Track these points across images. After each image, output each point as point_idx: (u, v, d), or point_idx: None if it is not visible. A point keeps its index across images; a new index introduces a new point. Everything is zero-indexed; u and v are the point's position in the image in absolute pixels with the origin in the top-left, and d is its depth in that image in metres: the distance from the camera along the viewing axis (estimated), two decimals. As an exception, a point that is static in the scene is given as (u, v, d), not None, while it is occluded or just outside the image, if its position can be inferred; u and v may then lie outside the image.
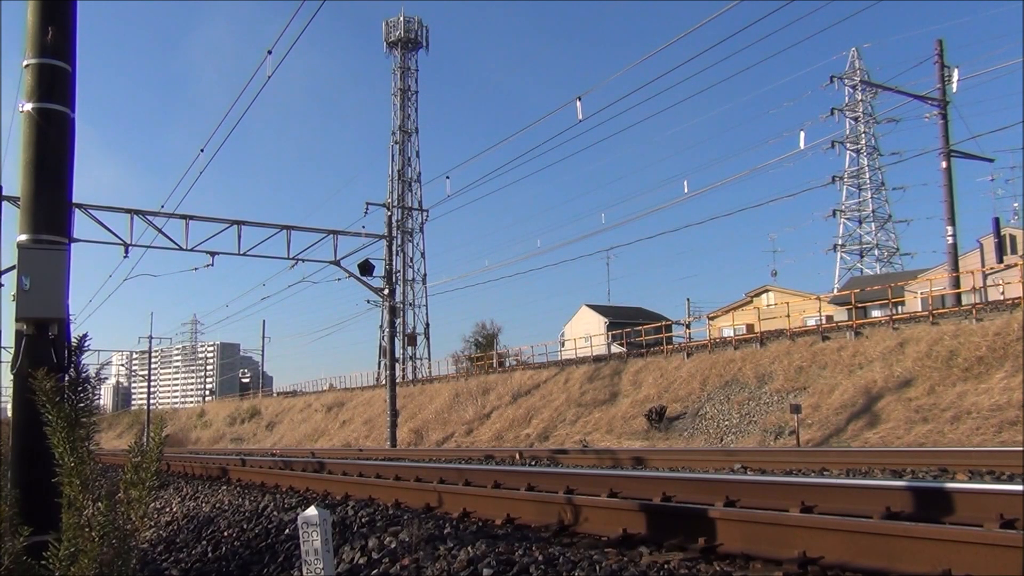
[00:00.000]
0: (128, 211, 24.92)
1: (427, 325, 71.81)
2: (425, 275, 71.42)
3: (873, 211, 70.94)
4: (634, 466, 13.97)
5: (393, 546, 5.70)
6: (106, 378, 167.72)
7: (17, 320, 4.42)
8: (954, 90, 28.60)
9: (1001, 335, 21.02)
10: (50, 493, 3.50)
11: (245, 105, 16.02)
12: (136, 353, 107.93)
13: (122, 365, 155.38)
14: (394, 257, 34.16)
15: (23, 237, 4.52)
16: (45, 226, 4.56)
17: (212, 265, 26.68)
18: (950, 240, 28.32)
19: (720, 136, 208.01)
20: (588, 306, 61.07)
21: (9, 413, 4.53)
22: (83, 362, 3.88)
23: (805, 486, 6.52)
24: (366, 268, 29.86)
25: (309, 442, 49.07)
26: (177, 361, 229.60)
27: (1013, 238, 39.47)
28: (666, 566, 4.60)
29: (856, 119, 69.16)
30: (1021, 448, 11.50)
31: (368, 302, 33.88)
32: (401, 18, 72.63)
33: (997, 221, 39.86)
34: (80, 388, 3.56)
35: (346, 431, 48.22)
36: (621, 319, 54.83)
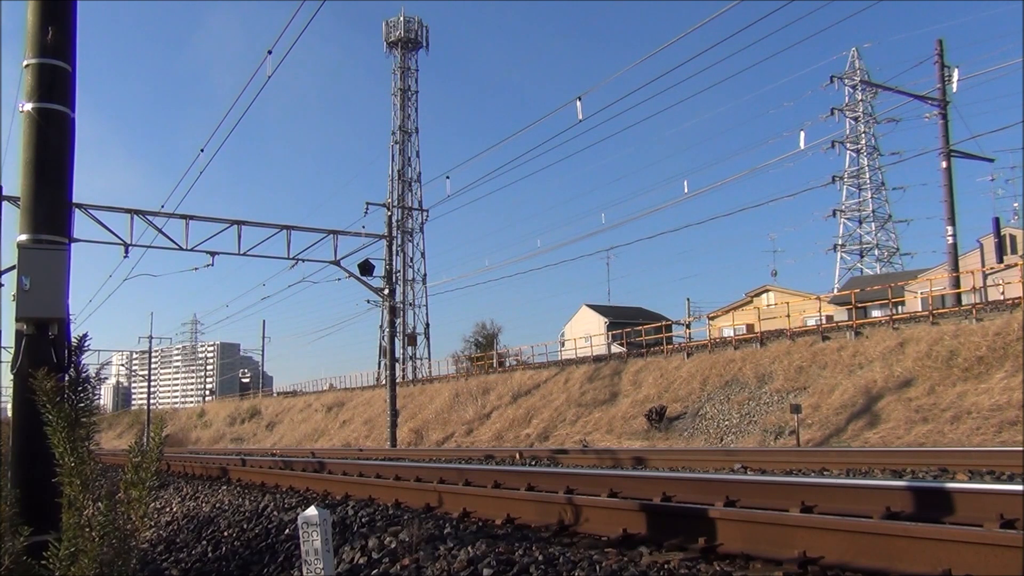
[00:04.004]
0: (128, 211, 24.91)
1: (427, 325, 71.81)
2: (425, 275, 71.40)
3: (873, 211, 70.92)
4: (634, 466, 13.97)
5: (393, 546, 5.70)
6: (106, 378, 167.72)
7: (17, 320, 4.43)
8: (954, 90, 28.64)
9: (1001, 335, 21.02)
10: (50, 493, 3.51)
11: (245, 105, 16.02)
12: (136, 353, 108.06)
13: (122, 365, 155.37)
14: (394, 257, 34.17)
15: (23, 237, 4.53)
16: (45, 226, 4.56)
17: (212, 265, 26.68)
18: (950, 240, 28.32)
19: (720, 136, 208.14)
20: (588, 306, 61.06)
21: (9, 413, 4.53)
22: (83, 362, 3.89)
23: (805, 486, 6.52)
24: (366, 268, 29.84)
25: (309, 442, 49.06)
26: (177, 361, 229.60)
27: (1013, 238, 39.48)
28: (666, 566, 4.60)
29: (856, 119, 69.12)
30: (1021, 448, 11.50)
31: (368, 302, 33.92)
32: (401, 18, 72.57)
33: (997, 221, 39.89)
34: (80, 388, 3.57)
35: (346, 431, 48.22)
36: (621, 319, 54.81)
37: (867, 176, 70.21)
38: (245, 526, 7.91)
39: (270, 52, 13.61)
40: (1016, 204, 52.20)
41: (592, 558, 4.78)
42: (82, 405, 3.51)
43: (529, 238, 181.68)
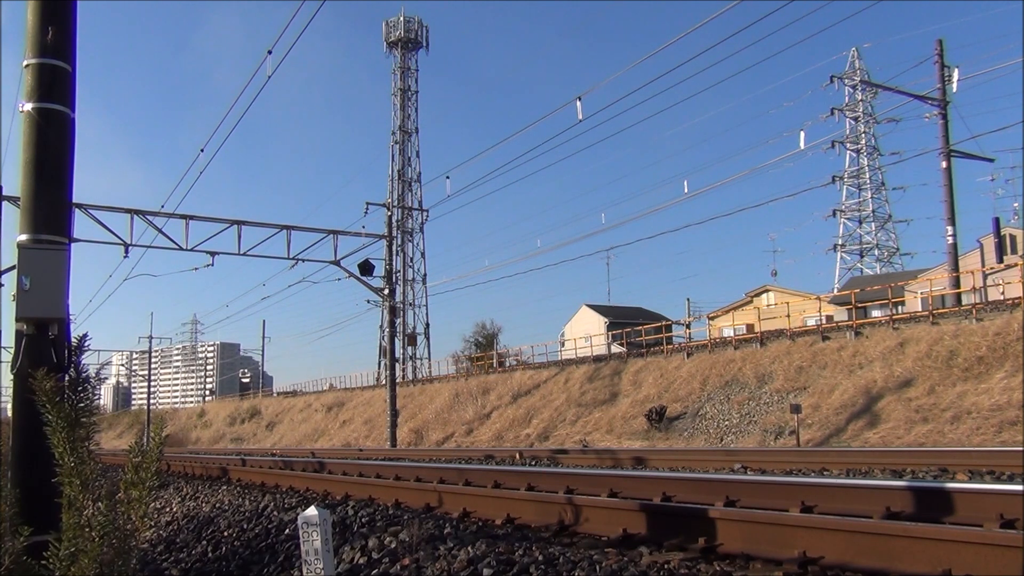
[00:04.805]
0: (128, 211, 24.91)
1: (427, 325, 71.78)
2: (425, 275, 71.36)
3: (873, 211, 70.90)
4: (634, 466, 13.97)
5: (393, 546, 5.70)
6: (106, 378, 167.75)
7: (17, 320, 4.42)
8: (954, 90, 28.65)
9: (1001, 335, 21.02)
10: (50, 493, 3.51)
11: (245, 105, 16.03)
12: (136, 353, 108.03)
13: (122, 365, 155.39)
14: (394, 257, 34.16)
15: (23, 237, 4.52)
16: (45, 226, 4.56)
17: (212, 265, 26.68)
18: (950, 240, 28.32)
19: (720, 136, 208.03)
20: (588, 306, 61.06)
21: (9, 413, 4.53)
22: (83, 362, 3.89)
23: (805, 486, 6.52)
24: (366, 268, 29.85)
25: (309, 442, 49.06)
26: (177, 361, 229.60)
27: (1013, 238, 39.49)
28: (666, 566, 4.60)
29: (856, 119, 69.11)
30: (1021, 448, 11.50)
31: (368, 302, 33.90)
32: (401, 18, 72.56)
33: (997, 221, 39.90)
34: (80, 388, 3.57)
35: (346, 431, 48.22)
36: (621, 319, 54.81)
37: (867, 176, 70.23)
38: (245, 526, 7.90)
39: (270, 52, 13.62)
40: (1016, 204, 52.26)
41: (592, 558, 4.78)
42: (82, 405, 3.51)
43: (529, 238, 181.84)
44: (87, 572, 3.17)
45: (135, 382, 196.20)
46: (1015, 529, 4.89)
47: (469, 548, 5.20)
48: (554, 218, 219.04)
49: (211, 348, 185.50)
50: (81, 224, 23.96)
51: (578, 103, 19.28)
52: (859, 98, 67.91)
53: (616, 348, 40.22)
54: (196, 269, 29.76)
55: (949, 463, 10.37)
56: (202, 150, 18.40)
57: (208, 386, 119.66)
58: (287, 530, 7.04)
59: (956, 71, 28.46)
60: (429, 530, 5.93)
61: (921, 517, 5.50)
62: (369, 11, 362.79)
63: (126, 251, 25.10)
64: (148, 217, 25.00)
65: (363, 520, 6.70)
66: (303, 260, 28.78)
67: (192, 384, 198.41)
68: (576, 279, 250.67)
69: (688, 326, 42.86)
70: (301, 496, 9.71)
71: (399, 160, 71.23)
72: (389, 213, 33.26)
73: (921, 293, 35.37)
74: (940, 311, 25.21)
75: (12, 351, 4.40)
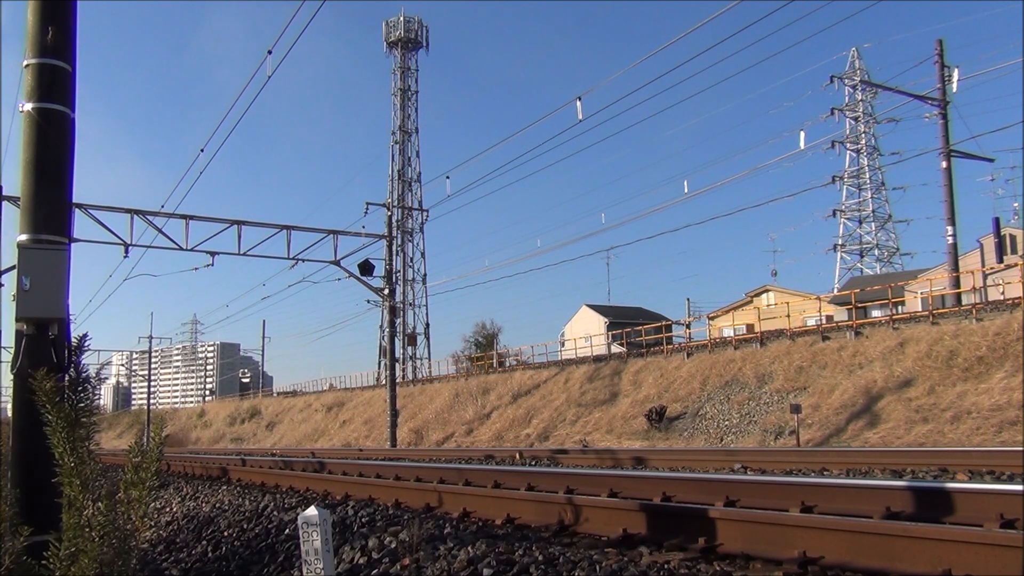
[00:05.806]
0: (128, 211, 24.92)
1: (427, 325, 71.81)
2: (425, 275, 71.41)
3: (873, 211, 70.92)
4: (634, 466, 13.97)
5: (393, 546, 5.70)
6: (106, 378, 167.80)
7: (17, 320, 4.42)
8: (954, 90, 28.64)
9: (1001, 335, 21.01)
10: (50, 493, 3.50)
11: (245, 105, 16.02)
12: (136, 353, 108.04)
13: (122, 365, 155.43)
14: (394, 257, 34.17)
15: (23, 237, 4.52)
16: (45, 226, 4.55)
17: (212, 265, 26.70)
18: (950, 240, 28.31)
19: (720, 136, 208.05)
20: (588, 306, 61.06)
21: (9, 413, 4.53)
22: (83, 362, 3.88)
23: (805, 486, 6.52)
24: (366, 268, 29.85)
25: (309, 442, 49.06)
26: (177, 361, 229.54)
27: (1013, 238, 39.50)
28: (666, 566, 4.60)
29: (856, 119, 69.11)
30: (1021, 448, 11.50)
31: (368, 302, 33.91)
32: (401, 18, 72.58)
33: (997, 221, 39.92)
34: (80, 388, 3.56)
35: (346, 431, 48.22)
36: (621, 319, 54.81)
37: (867, 176, 70.26)
38: (245, 526, 7.90)
39: (270, 52, 13.61)
40: (1016, 204, 52.31)
41: (592, 558, 4.78)
42: (82, 405, 3.50)
43: (529, 238, 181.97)
44: (87, 572, 3.17)
45: (135, 382, 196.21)
46: (1015, 529, 4.89)
47: (469, 548, 5.20)
48: (554, 218, 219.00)
49: (211, 348, 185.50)
50: (81, 224, 23.99)
51: (578, 103, 19.29)
52: (859, 98, 67.92)
53: (616, 348, 40.22)
54: (196, 269, 29.87)
55: (949, 463, 10.37)
56: (202, 150, 18.40)
57: (208, 386, 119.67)
58: (287, 530, 7.04)
59: (956, 71, 28.49)
60: (429, 530, 5.93)
61: (921, 517, 5.50)
62: (369, 11, 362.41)
63: (126, 251, 25.12)
64: (148, 217, 25.01)
65: (363, 520, 6.70)
66: (303, 260, 28.82)
67: (192, 384, 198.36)
68: (576, 279, 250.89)
69: (688, 326, 42.86)
70: (301, 496, 9.71)
71: (399, 160, 71.30)
72: (389, 213, 33.26)
73: (921, 293, 35.37)
74: (940, 311, 25.20)
75: (12, 351, 4.40)
